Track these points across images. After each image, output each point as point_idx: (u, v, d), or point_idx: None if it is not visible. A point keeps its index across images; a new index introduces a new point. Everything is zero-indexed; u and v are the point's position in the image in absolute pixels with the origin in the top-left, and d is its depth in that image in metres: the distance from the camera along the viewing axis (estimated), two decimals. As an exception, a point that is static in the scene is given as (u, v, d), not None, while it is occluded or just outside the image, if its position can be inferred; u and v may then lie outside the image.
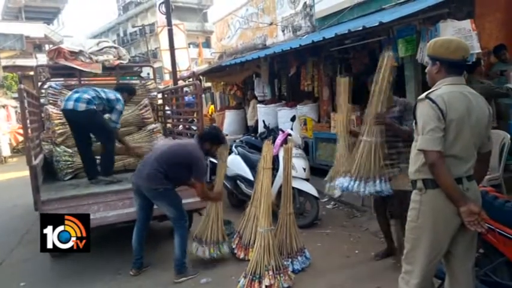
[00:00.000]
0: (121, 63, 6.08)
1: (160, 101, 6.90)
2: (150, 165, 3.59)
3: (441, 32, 4.27)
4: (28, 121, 4.10)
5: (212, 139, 3.83)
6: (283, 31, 9.11)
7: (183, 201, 3.84)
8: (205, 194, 3.80)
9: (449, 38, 2.37)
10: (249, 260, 3.56)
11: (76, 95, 4.42)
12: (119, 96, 4.65)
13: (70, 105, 4.34)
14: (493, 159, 3.98)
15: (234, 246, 4.11)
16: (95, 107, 4.41)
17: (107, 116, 4.65)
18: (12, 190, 8.47)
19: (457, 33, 4.17)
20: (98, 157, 4.67)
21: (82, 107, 4.34)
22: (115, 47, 6.30)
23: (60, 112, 4.78)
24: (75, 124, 4.52)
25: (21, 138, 14.44)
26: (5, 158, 14.28)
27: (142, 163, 3.82)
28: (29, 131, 4.10)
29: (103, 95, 4.54)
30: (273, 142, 5.49)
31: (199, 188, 3.69)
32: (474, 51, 4.12)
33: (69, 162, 4.86)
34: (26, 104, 3.98)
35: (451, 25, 4.27)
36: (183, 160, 3.60)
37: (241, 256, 3.97)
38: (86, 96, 4.41)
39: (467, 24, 4.22)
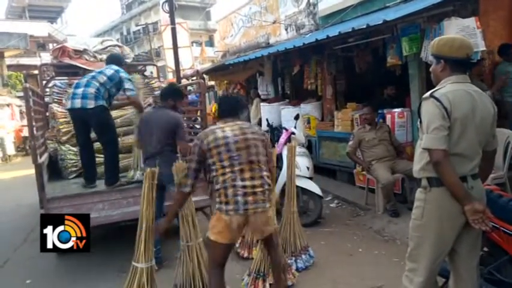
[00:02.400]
0: (125, 62, 6.09)
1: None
2: (157, 152, 3.71)
3: (445, 30, 4.25)
4: (33, 120, 4.11)
5: (172, 94, 3.98)
6: (286, 29, 9.10)
7: None
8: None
9: (453, 36, 2.37)
10: (252, 259, 3.57)
11: (80, 90, 4.15)
12: (114, 67, 4.40)
13: (78, 103, 4.11)
14: (498, 157, 3.96)
15: (237, 245, 4.12)
16: (103, 103, 4.20)
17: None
18: (17, 189, 8.52)
19: (461, 31, 4.15)
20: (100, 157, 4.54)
21: (91, 104, 4.11)
22: (119, 46, 6.34)
23: (65, 111, 4.77)
24: (83, 123, 4.30)
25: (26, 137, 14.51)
26: (9, 156, 14.35)
27: (149, 154, 3.83)
28: (34, 129, 4.12)
29: (103, 78, 4.25)
30: (277, 141, 5.51)
31: (186, 146, 3.72)
32: (479, 49, 4.10)
33: (73, 161, 4.88)
34: (31, 103, 4.00)
35: (455, 23, 4.25)
36: (173, 125, 3.77)
37: (245, 255, 3.99)
38: (92, 90, 4.14)
39: (471, 22, 4.19)
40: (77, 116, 4.27)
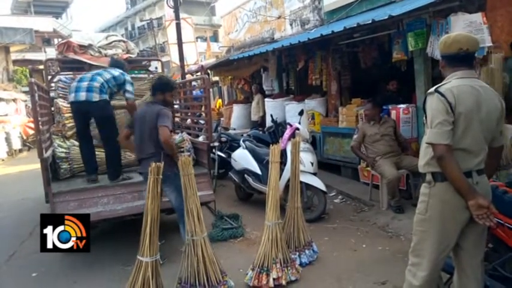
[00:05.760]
0: (130, 57, 6.10)
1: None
2: (152, 153, 3.71)
3: (452, 25, 4.22)
4: (39, 114, 4.13)
5: (161, 87, 3.93)
6: (291, 25, 9.06)
7: None
8: (169, 138, 3.76)
9: (452, 33, 2.39)
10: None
11: (85, 84, 4.23)
12: (120, 70, 4.57)
13: (82, 96, 4.17)
14: (504, 154, 3.94)
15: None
16: (107, 97, 4.30)
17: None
18: (22, 183, 8.59)
19: (468, 26, 4.12)
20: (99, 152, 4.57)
21: (96, 97, 4.18)
22: (124, 41, 6.33)
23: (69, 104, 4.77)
24: (85, 116, 4.36)
25: (31, 132, 14.58)
26: (15, 151, 14.44)
27: (141, 156, 3.87)
28: (40, 124, 4.14)
29: (108, 75, 4.40)
30: (281, 136, 5.51)
31: (165, 131, 3.66)
32: (485, 44, 4.07)
33: (64, 154, 4.78)
34: (36, 98, 4.02)
35: (462, 18, 4.22)
36: (155, 118, 3.71)
37: None
38: (97, 84, 4.24)
39: (478, 17, 4.16)
40: (80, 108, 4.32)
